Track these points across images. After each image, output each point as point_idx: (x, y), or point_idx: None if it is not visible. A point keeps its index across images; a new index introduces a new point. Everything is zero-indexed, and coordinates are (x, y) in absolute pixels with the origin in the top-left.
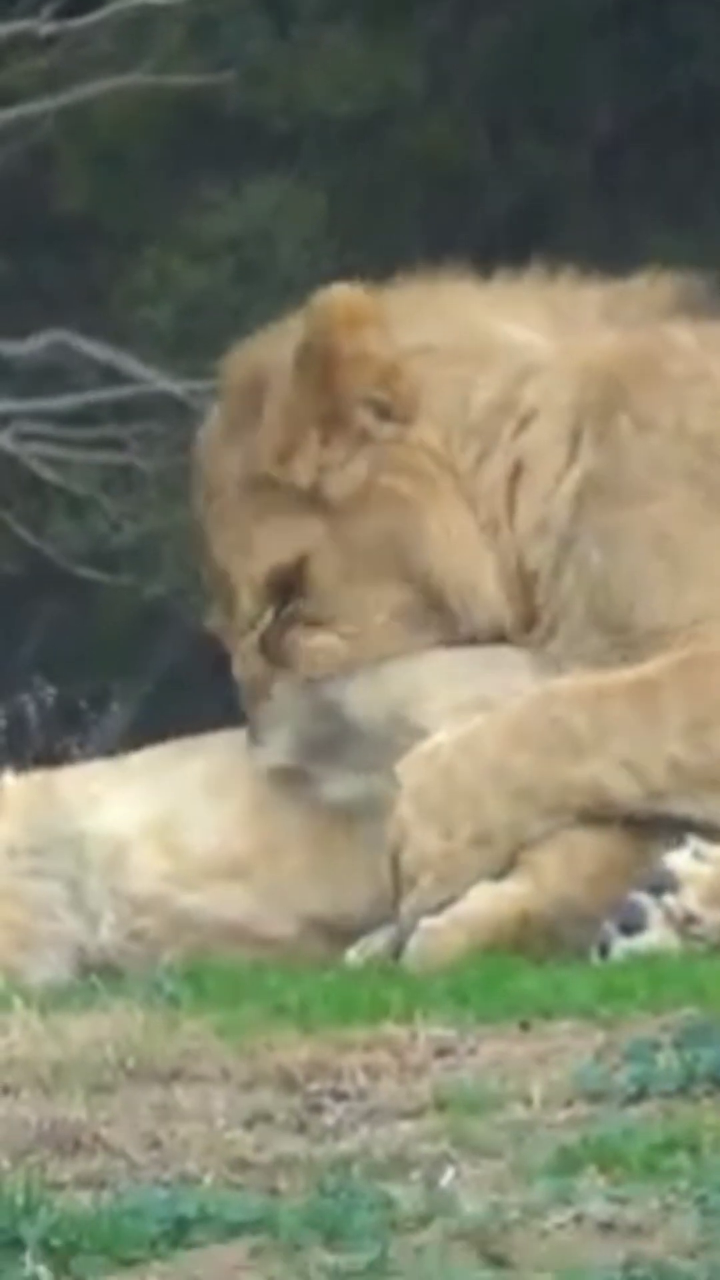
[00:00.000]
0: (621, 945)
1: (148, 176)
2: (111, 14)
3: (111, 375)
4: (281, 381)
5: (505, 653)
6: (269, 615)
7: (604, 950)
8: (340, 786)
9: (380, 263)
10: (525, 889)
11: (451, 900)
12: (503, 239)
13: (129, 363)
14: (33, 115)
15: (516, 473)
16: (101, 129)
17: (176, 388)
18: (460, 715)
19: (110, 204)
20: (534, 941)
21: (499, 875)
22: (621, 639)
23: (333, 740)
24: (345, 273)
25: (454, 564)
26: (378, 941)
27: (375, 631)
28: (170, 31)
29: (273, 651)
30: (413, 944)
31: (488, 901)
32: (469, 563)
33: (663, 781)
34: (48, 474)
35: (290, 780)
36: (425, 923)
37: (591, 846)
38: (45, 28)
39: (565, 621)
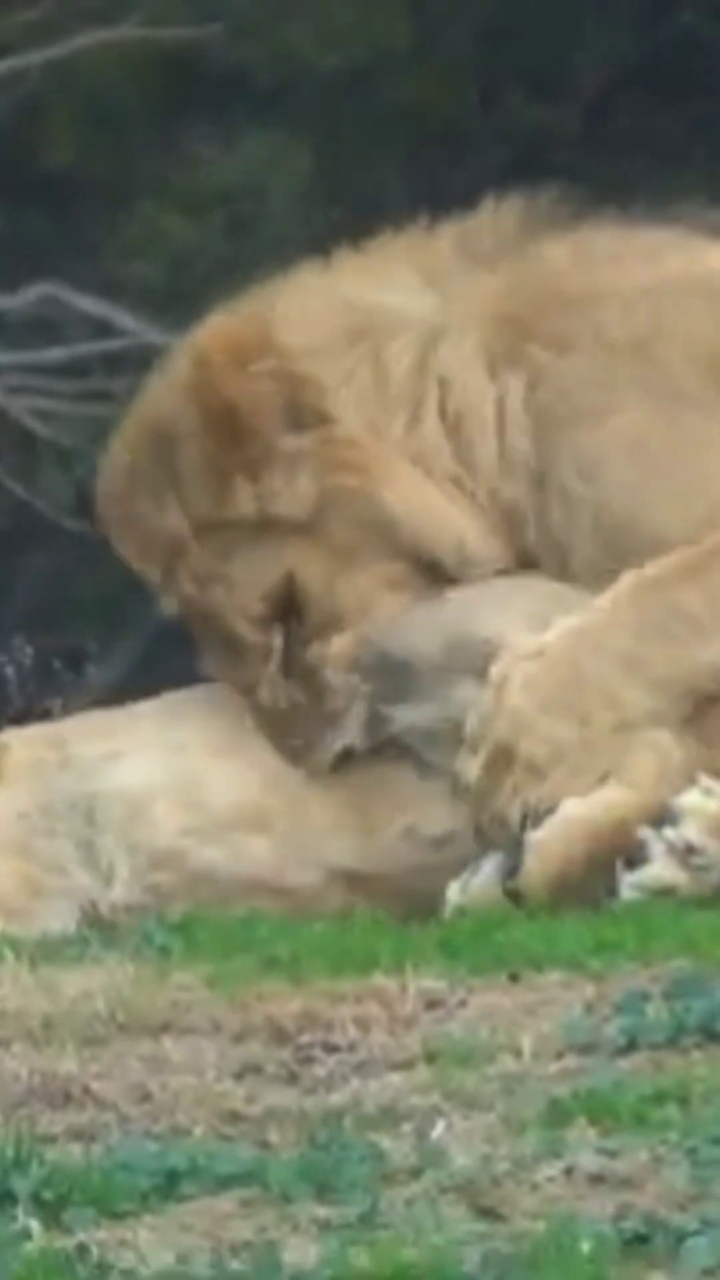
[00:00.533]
0: (627, 880)
1: (136, 130)
2: None
3: (101, 328)
4: (190, 440)
5: (532, 579)
6: (278, 640)
7: (611, 891)
8: (412, 714)
9: (369, 216)
10: (621, 795)
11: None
12: (492, 193)
13: (119, 315)
14: (20, 68)
15: (457, 423)
16: (89, 82)
17: (166, 340)
18: (526, 623)
19: (99, 157)
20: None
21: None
22: (643, 555)
23: (396, 681)
24: (335, 225)
25: (431, 526)
26: (485, 872)
27: (384, 609)
28: None
29: (299, 672)
30: (529, 861)
31: (586, 809)
32: (444, 520)
33: None
34: (38, 427)
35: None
36: (534, 838)
37: (679, 749)
38: None
39: (575, 555)
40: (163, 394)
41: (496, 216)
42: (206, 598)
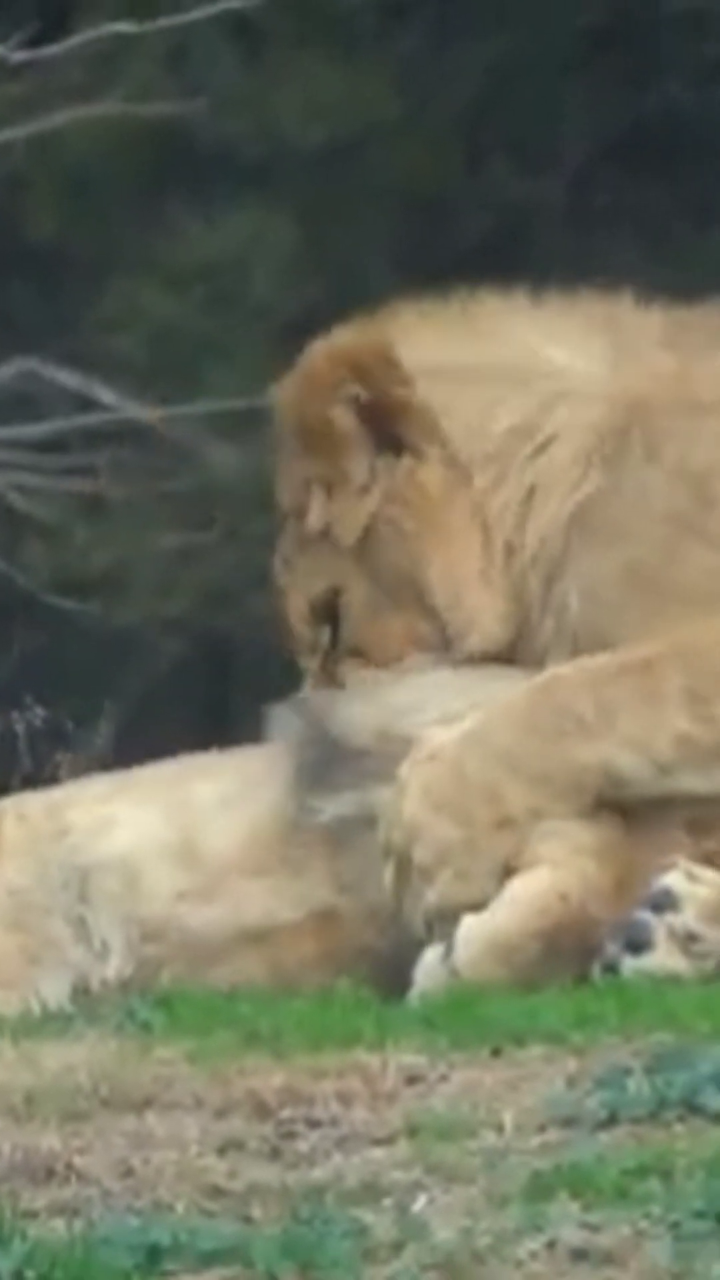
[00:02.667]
0: (630, 964)
1: (119, 204)
2: (82, 42)
3: (82, 403)
4: (287, 438)
5: (496, 668)
6: (324, 639)
7: (611, 969)
8: (335, 805)
9: (354, 290)
10: (545, 873)
11: (467, 902)
12: (477, 265)
13: (100, 390)
14: (3, 143)
15: (529, 496)
16: (72, 157)
17: (147, 415)
18: (452, 722)
19: (81, 232)
20: (575, 924)
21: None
22: None
23: (325, 762)
24: (317, 302)
25: (454, 600)
26: (430, 966)
27: (407, 659)
28: (141, 59)
29: (331, 682)
30: (461, 945)
31: (521, 888)
32: (470, 599)
33: (671, 757)
34: (18, 501)
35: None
36: (468, 920)
37: (585, 830)
38: (15, 56)
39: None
40: (287, 382)
41: (713, 315)
42: (281, 575)
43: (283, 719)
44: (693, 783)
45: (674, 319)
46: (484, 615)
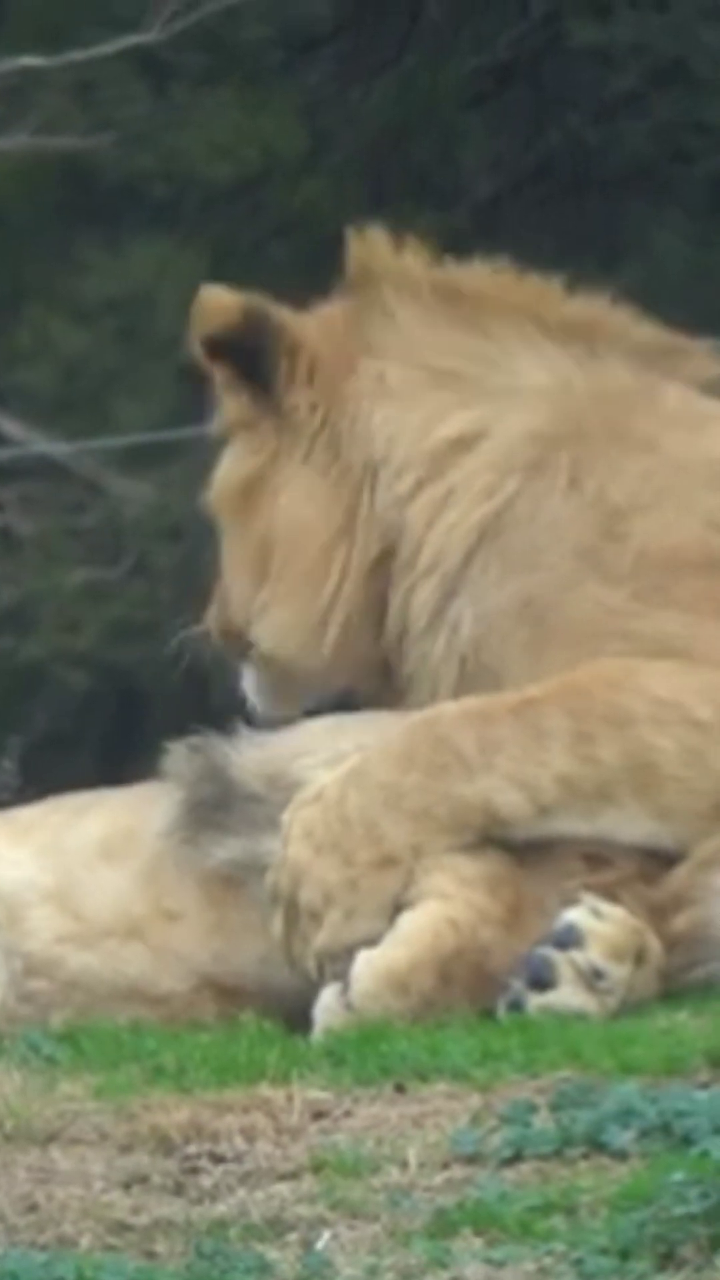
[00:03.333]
0: (535, 1002)
1: (27, 238)
2: None
3: None
4: None
5: (384, 715)
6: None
7: (516, 1006)
8: (223, 849)
9: None
10: (435, 904)
11: (356, 941)
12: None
13: (7, 424)
14: None
15: (446, 497)
16: None
17: (55, 449)
18: (336, 765)
19: None
20: (468, 953)
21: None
22: None
23: (218, 803)
24: None
25: (251, 590)
26: (328, 1003)
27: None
28: (49, 93)
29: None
30: (356, 980)
31: (412, 921)
32: (264, 595)
33: (552, 797)
34: None
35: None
36: (362, 955)
37: (472, 863)
38: None
39: (429, 683)
40: None
41: (660, 334)
42: None
43: (179, 757)
44: (574, 825)
45: (662, 341)
46: (271, 618)
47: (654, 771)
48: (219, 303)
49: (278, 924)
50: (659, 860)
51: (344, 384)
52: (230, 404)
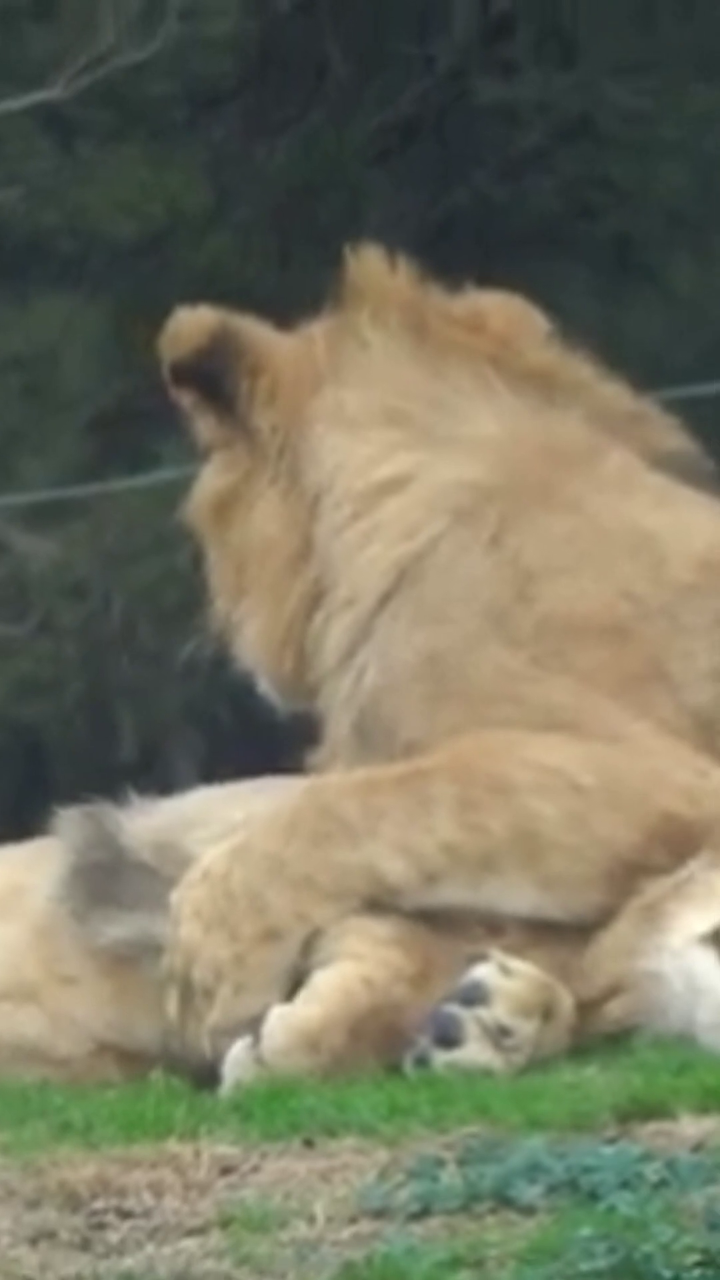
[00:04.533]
0: (441, 1059)
1: None
2: None
3: None
4: None
5: (276, 781)
6: None
7: (422, 1062)
8: (116, 927)
9: (164, 381)
10: (349, 963)
11: (249, 1016)
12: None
13: None
14: None
15: (370, 534)
16: None
17: None
18: (226, 839)
19: None
20: (381, 1011)
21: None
22: (378, 755)
23: (107, 872)
24: (130, 391)
25: (233, 604)
26: (238, 1057)
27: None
28: None
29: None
30: (268, 1035)
31: (325, 979)
32: (242, 609)
33: (437, 864)
34: None
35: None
36: (275, 1011)
37: (383, 923)
38: None
39: (331, 725)
40: None
41: (670, 434)
42: None
43: (70, 822)
44: (462, 894)
45: (624, 404)
46: (244, 633)
47: (537, 839)
48: (188, 327)
49: (172, 1004)
50: (553, 933)
51: (307, 406)
52: (200, 427)
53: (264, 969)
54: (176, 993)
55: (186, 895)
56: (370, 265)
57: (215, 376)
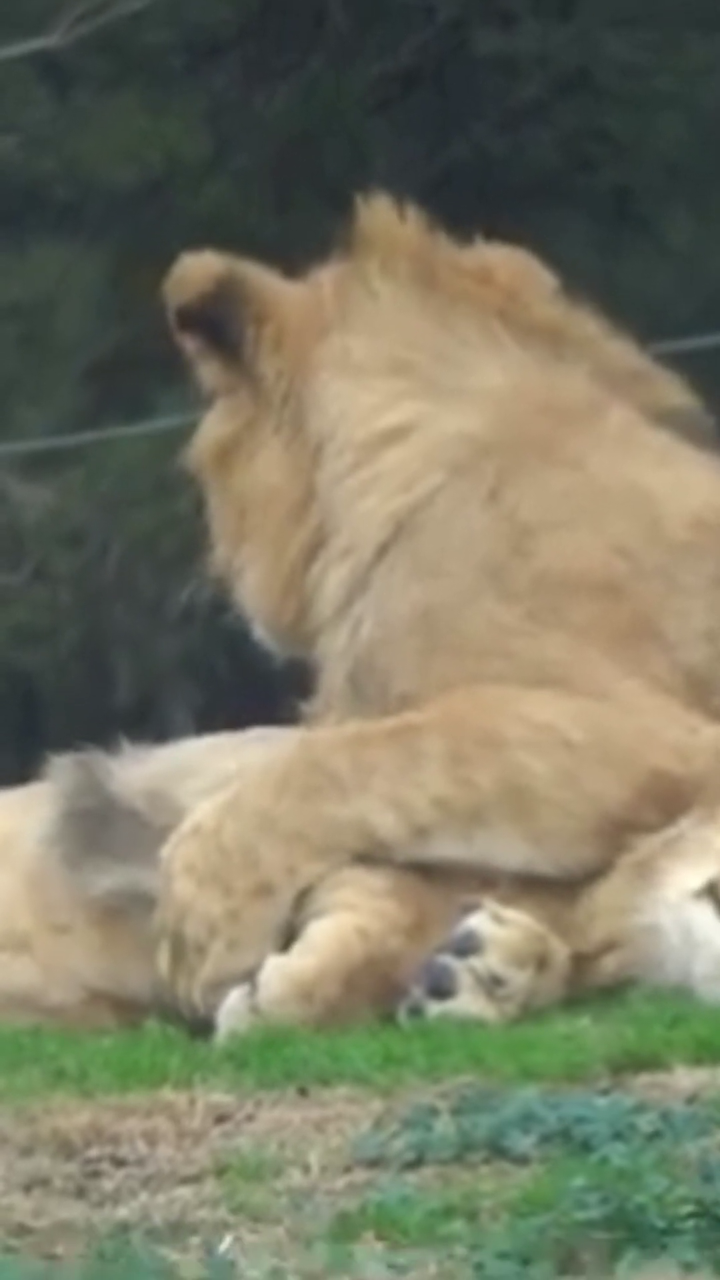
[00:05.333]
0: (435, 1009)
1: None
2: None
3: None
4: None
5: (269, 732)
6: None
7: (416, 1012)
8: (107, 878)
9: (163, 331)
10: (344, 914)
11: (242, 971)
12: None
13: None
14: None
15: (370, 483)
16: None
17: None
18: (218, 791)
19: None
20: (376, 962)
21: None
22: (372, 706)
23: (98, 819)
24: (128, 339)
25: (234, 549)
26: (234, 1006)
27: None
28: None
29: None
30: (264, 985)
31: (321, 930)
32: (242, 556)
33: (428, 818)
34: None
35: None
36: (272, 960)
37: (378, 874)
38: None
39: (326, 675)
40: None
41: (671, 389)
42: None
43: (61, 768)
44: (453, 848)
45: (629, 361)
46: (245, 580)
47: (528, 794)
48: (194, 272)
49: (164, 960)
50: (545, 887)
51: (312, 353)
52: (204, 373)
53: (257, 924)
54: (169, 948)
55: (178, 850)
56: (380, 214)
57: (220, 322)
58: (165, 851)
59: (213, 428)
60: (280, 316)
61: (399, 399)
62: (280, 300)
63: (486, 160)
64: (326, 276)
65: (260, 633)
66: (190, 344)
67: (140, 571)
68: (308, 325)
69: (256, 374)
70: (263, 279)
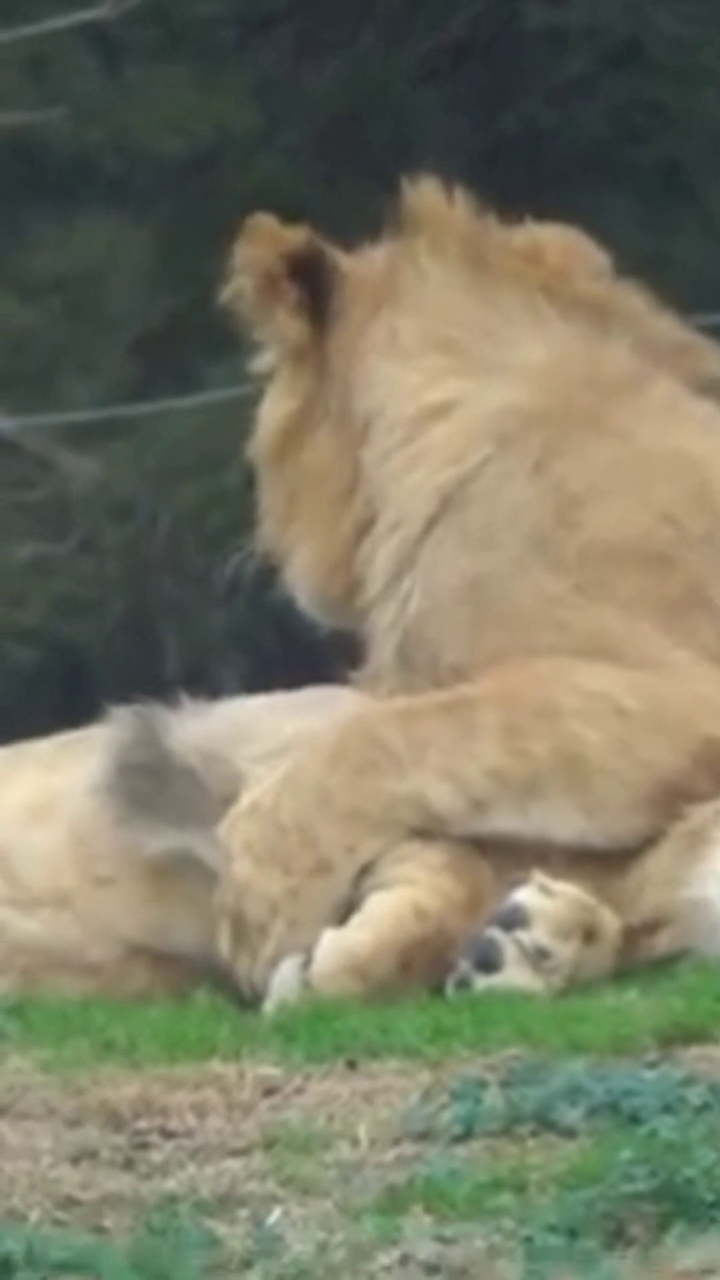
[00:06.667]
0: (482, 982)
1: None
2: None
3: None
4: None
5: (332, 692)
6: None
7: (464, 985)
8: (158, 840)
9: (210, 303)
10: (403, 889)
11: (307, 948)
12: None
13: None
14: None
15: (415, 459)
16: None
17: (3, 425)
18: (275, 759)
19: None
20: (432, 940)
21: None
22: (422, 678)
23: (152, 776)
24: (177, 312)
25: (283, 528)
26: (286, 977)
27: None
28: (0, 69)
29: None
30: (319, 959)
31: (379, 905)
32: (291, 534)
33: (484, 790)
34: None
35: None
36: (328, 934)
37: (436, 849)
38: None
39: (375, 649)
40: None
41: (674, 328)
42: None
43: (119, 719)
44: (510, 821)
45: (674, 335)
46: (294, 560)
47: (582, 763)
48: (283, 230)
49: (225, 939)
50: (597, 861)
51: (364, 332)
52: (291, 328)
53: (317, 902)
54: (229, 928)
55: (236, 830)
56: (427, 195)
57: (320, 278)
58: (222, 831)
59: (275, 407)
60: (349, 292)
61: (444, 376)
62: (348, 273)
63: (535, 133)
64: (379, 255)
65: (309, 610)
66: (292, 294)
67: (188, 544)
68: (362, 302)
69: (329, 344)
70: (332, 250)
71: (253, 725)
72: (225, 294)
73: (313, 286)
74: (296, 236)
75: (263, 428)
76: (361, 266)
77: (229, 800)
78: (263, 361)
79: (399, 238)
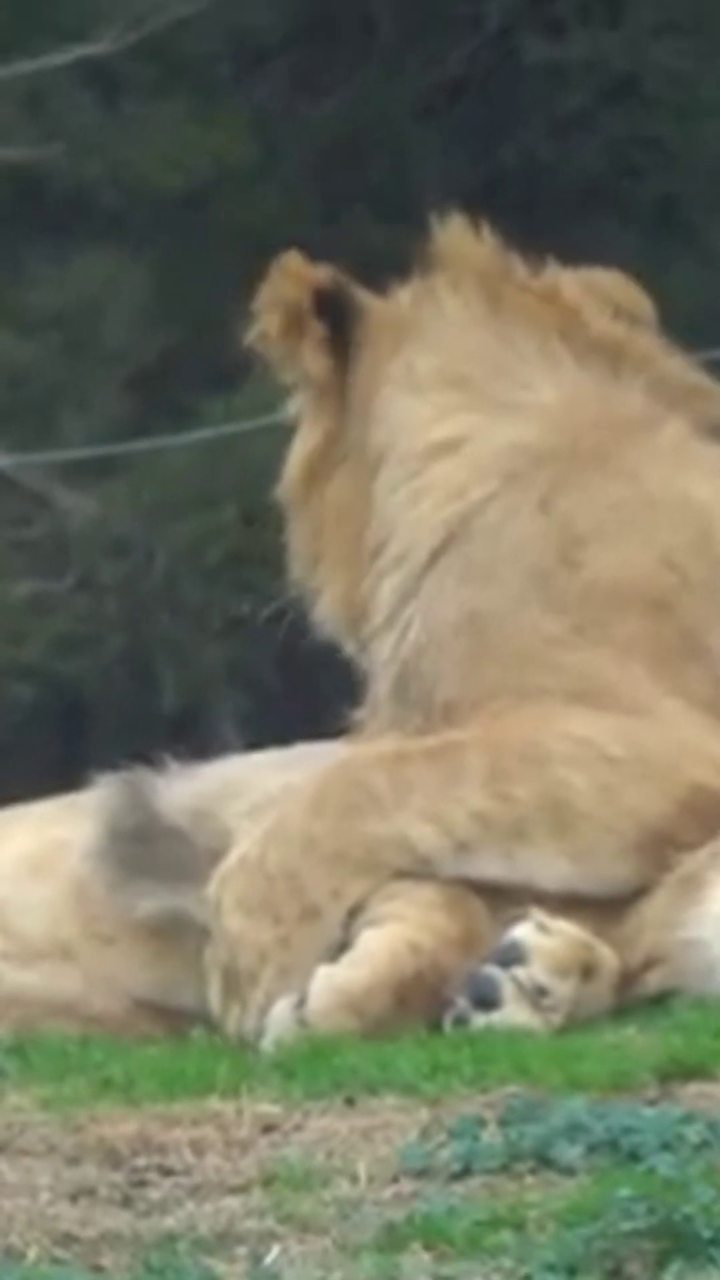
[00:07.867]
0: (480, 1020)
1: None
2: None
3: None
4: None
5: (322, 748)
6: None
7: (461, 1023)
8: (149, 900)
9: (207, 338)
10: (395, 926)
11: (294, 992)
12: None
13: None
14: None
15: (420, 494)
16: None
17: (2, 462)
18: (261, 813)
19: None
20: (426, 976)
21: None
22: (416, 712)
23: (141, 839)
24: (173, 347)
25: (312, 565)
26: (281, 1015)
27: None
28: None
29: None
30: (313, 996)
31: (373, 941)
32: (321, 572)
33: (468, 832)
34: None
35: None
36: (322, 971)
37: (428, 886)
38: None
39: (374, 682)
40: None
41: (687, 371)
42: None
43: (108, 789)
44: (495, 866)
45: (686, 377)
46: (328, 592)
47: (567, 809)
48: (310, 267)
49: (215, 993)
50: (588, 906)
51: (383, 366)
52: (316, 364)
53: (307, 948)
54: (220, 981)
55: (226, 885)
56: (454, 233)
57: (346, 316)
58: (212, 889)
59: (299, 445)
60: (369, 327)
61: (454, 411)
62: (371, 311)
63: (533, 167)
64: (405, 294)
65: (348, 649)
66: (319, 331)
67: (184, 580)
68: (383, 339)
69: (350, 380)
70: (354, 288)
71: (241, 782)
72: (251, 334)
73: (337, 323)
74: (323, 273)
75: (289, 467)
76: (386, 304)
77: (219, 857)
78: (292, 405)
79: (425, 276)
